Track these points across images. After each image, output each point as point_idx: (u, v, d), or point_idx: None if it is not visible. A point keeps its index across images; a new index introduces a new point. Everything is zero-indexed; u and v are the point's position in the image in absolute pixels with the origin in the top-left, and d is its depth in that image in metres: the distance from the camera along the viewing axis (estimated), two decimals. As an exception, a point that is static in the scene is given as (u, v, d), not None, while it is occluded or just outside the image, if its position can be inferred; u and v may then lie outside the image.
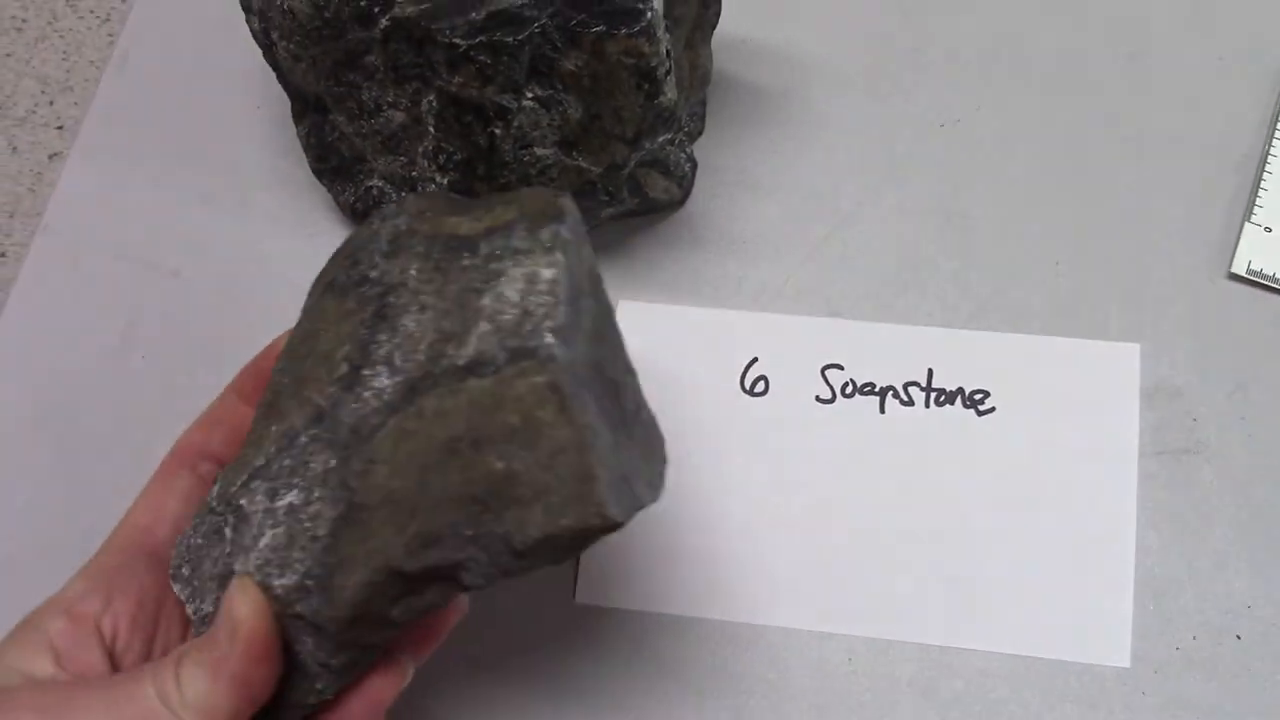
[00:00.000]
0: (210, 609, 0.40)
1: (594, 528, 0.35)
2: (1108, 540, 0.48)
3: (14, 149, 0.60)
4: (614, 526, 0.36)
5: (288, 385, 0.41)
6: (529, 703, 0.48)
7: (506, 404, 0.35)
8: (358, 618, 0.38)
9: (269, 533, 0.39)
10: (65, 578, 0.50)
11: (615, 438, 0.38)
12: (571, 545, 0.36)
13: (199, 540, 0.41)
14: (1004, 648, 0.47)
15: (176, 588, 0.41)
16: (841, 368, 0.52)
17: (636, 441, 0.41)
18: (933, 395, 0.51)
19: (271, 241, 0.57)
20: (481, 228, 0.39)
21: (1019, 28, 0.59)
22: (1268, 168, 0.54)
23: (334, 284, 0.42)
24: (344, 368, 0.39)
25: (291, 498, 0.39)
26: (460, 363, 0.36)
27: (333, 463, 0.39)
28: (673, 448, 0.50)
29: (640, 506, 0.38)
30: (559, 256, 0.37)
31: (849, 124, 0.57)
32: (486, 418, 0.35)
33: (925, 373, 0.51)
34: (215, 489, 0.42)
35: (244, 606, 0.37)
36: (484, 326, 0.37)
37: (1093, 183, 0.55)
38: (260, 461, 0.40)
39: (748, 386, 0.52)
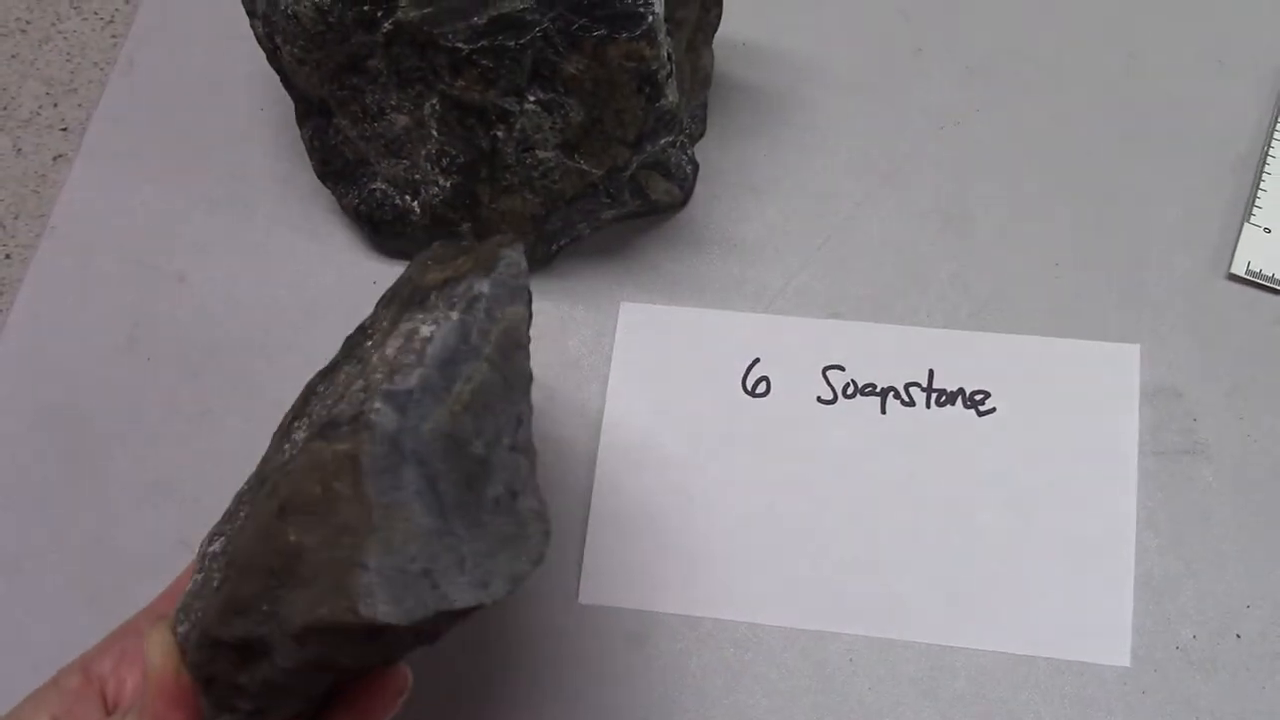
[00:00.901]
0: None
1: (350, 624, 0.32)
2: (1108, 540, 0.48)
3: (19, 150, 0.60)
4: (381, 628, 0.32)
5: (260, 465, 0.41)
6: (532, 701, 0.48)
7: (314, 471, 0.32)
8: (208, 680, 0.35)
9: (195, 578, 0.39)
10: (69, 578, 0.51)
11: (443, 524, 0.33)
12: (353, 642, 0.33)
13: (191, 593, 0.39)
14: (1005, 647, 0.47)
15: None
16: (843, 369, 0.52)
17: (487, 533, 0.34)
18: (934, 396, 0.51)
19: (276, 245, 0.57)
20: (442, 278, 0.37)
21: (1018, 29, 0.59)
22: (1267, 168, 0.54)
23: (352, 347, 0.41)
24: (289, 419, 0.39)
25: (216, 546, 0.39)
26: (319, 424, 0.34)
27: (241, 514, 0.38)
28: (674, 449, 0.51)
29: (447, 609, 0.33)
30: (453, 315, 0.35)
31: (849, 126, 0.57)
32: (300, 484, 0.33)
33: (926, 373, 0.52)
34: (219, 542, 0.40)
35: (153, 651, 0.36)
36: (358, 384, 0.34)
37: (1092, 184, 0.55)
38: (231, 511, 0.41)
39: (749, 388, 0.52)
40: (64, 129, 0.61)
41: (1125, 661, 0.47)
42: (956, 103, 0.57)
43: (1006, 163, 0.56)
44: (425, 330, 0.34)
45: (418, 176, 0.51)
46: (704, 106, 0.57)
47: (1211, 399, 0.51)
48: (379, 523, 0.32)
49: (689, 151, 0.55)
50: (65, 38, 0.63)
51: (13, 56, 0.63)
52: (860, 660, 0.48)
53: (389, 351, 0.34)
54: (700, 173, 0.56)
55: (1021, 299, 0.53)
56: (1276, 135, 0.54)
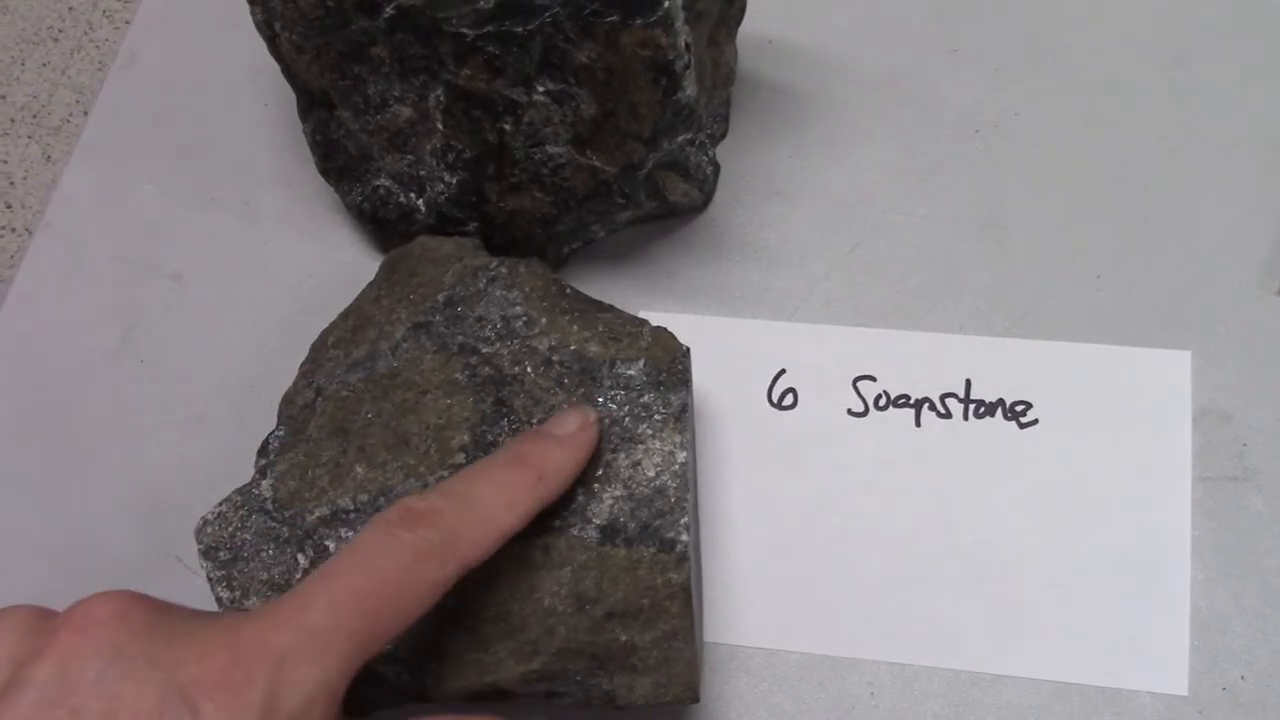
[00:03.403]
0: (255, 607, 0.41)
1: (684, 701, 0.41)
2: (1160, 560, 0.45)
3: (48, 158, 0.59)
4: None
5: (379, 429, 0.42)
6: (532, 731, 0.45)
7: (641, 588, 0.39)
8: (438, 699, 0.41)
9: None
10: (62, 581, 0.49)
11: (699, 598, 0.43)
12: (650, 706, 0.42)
13: (247, 535, 0.42)
14: (1044, 674, 0.44)
15: (207, 566, 0.42)
16: (874, 379, 0.49)
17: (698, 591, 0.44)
18: (971, 407, 0.48)
19: (277, 243, 0.55)
20: (607, 355, 0.42)
21: (1057, 29, 0.56)
22: (1324, 178, 0.51)
23: (429, 328, 0.44)
24: (460, 457, 0.41)
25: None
26: (594, 520, 0.40)
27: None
28: (697, 463, 0.48)
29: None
30: (689, 437, 0.41)
31: (879, 128, 0.55)
32: (619, 592, 0.39)
33: (963, 383, 0.49)
34: (268, 485, 0.43)
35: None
36: (618, 490, 0.40)
37: (1135, 193, 0.52)
38: (346, 504, 0.41)
39: (775, 400, 0.49)
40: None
41: (1183, 690, 0.43)
42: (992, 105, 0.55)
43: (1044, 167, 0.53)
44: (680, 456, 0.40)
45: (423, 172, 0.48)
46: (726, 105, 0.54)
47: (1262, 422, 0.47)
48: (696, 630, 0.41)
49: (710, 152, 0.52)
50: (97, 46, 0.62)
51: (44, 65, 0.62)
52: (882, 693, 0.45)
53: (647, 468, 0.40)
54: (722, 175, 0.53)
55: (1061, 310, 0.50)
56: (1334, 143, 0.51)
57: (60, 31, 0.62)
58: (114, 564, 0.49)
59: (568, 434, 0.39)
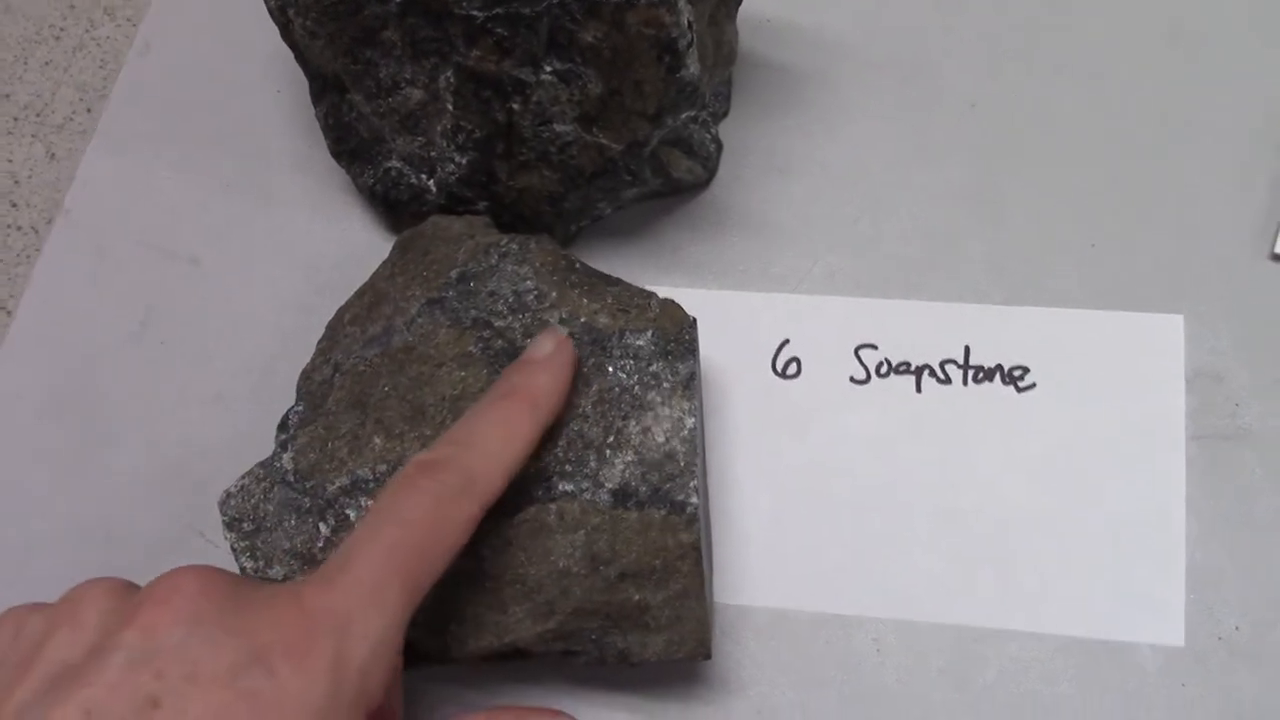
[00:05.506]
0: (279, 577, 0.42)
1: (696, 658, 0.43)
2: (1156, 518, 0.47)
3: (52, 155, 0.60)
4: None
5: (396, 402, 0.44)
6: (548, 692, 0.46)
7: (653, 549, 0.40)
8: (459, 662, 0.43)
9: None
10: (82, 563, 0.50)
11: (709, 561, 0.45)
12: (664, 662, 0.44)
13: (270, 507, 0.43)
14: (1044, 629, 0.46)
15: (231, 537, 0.43)
16: (875, 347, 0.50)
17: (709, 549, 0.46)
18: (970, 373, 0.49)
19: (292, 227, 0.56)
20: (616, 326, 0.44)
21: (1054, 4, 0.57)
22: (1312, 145, 0.52)
23: (443, 304, 0.45)
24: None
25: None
26: (606, 484, 0.41)
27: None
28: (705, 432, 0.49)
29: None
30: (697, 404, 0.43)
31: (878, 105, 0.56)
32: (632, 553, 0.40)
33: (962, 350, 0.50)
34: (289, 458, 0.44)
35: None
36: (629, 456, 0.41)
37: (1128, 162, 0.53)
38: (365, 474, 0.43)
39: (780, 369, 0.51)
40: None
41: (1179, 641, 0.45)
42: (988, 79, 0.56)
43: (1041, 140, 0.54)
44: (689, 422, 0.42)
45: (433, 153, 0.50)
46: (728, 84, 0.55)
47: (1254, 383, 0.49)
48: (707, 589, 0.42)
49: (713, 130, 0.53)
50: (99, 44, 0.63)
51: (47, 63, 0.63)
52: (887, 648, 0.46)
53: (657, 433, 0.42)
54: (724, 153, 0.55)
55: (1057, 277, 0.51)
56: (1322, 111, 0.53)
57: (62, 30, 0.63)
58: (138, 538, 0.51)
59: (546, 356, 0.41)
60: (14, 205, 0.59)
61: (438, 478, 0.37)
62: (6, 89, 0.62)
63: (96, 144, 0.59)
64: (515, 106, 0.47)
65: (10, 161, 0.60)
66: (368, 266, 0.51)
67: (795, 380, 0.50)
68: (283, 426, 0.46)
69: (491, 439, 0.39)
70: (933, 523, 0.48)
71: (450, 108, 0.48)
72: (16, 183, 0.59)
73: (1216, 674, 0.44)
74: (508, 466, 0.39)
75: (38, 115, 0.61)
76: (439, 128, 0.49)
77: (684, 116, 0.48)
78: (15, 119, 0.61)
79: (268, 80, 0.59)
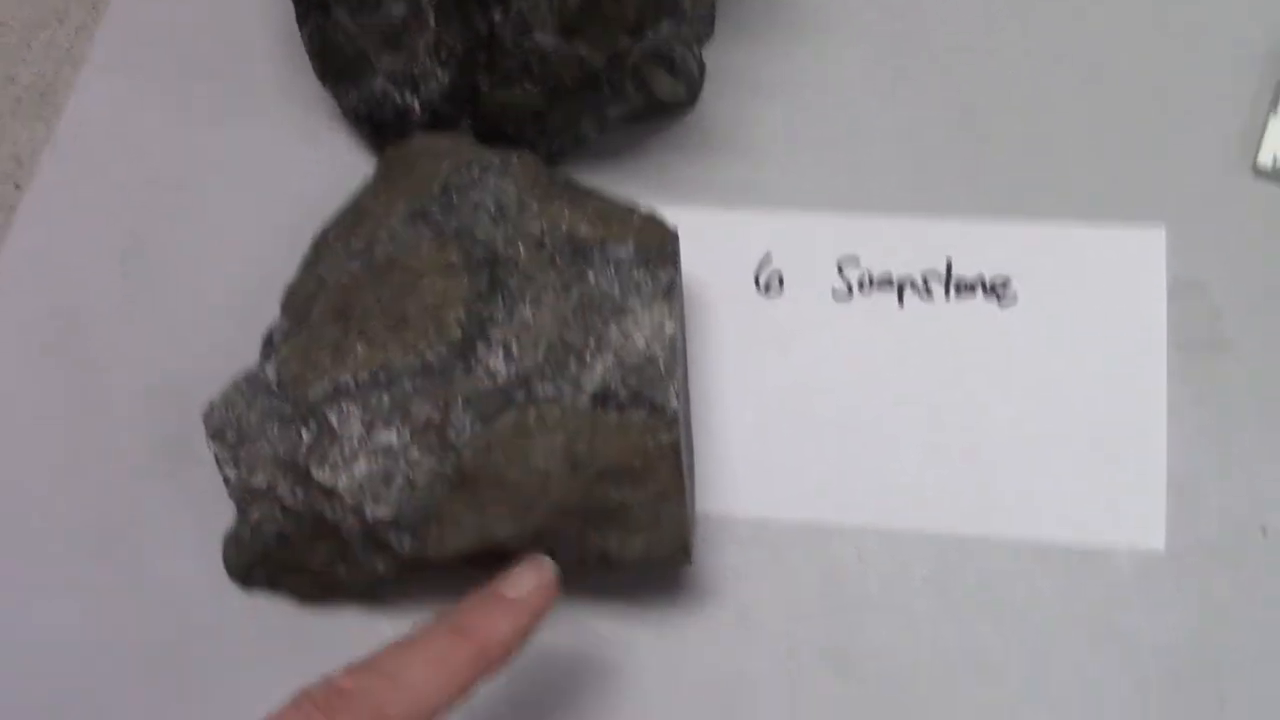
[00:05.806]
0: (261, 485, 0.43)
1: (677, 561, 0.43)
2: (1138, 426, 0.47)
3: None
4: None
5: (378, 311, 0.44)
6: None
7: (632, 449, 0.41)
8: (438, 563, 0.42)
9: (364, 463, 0.42)
10: (70, 502, 0.50)
11: (690, 469, 0.45)
12: (645, 565, 0.43)
13: (253, 417, 0.44)
14: (1026, 534, 0.46)
15: (215, 446, 0.44)
16: (857, 261, 0.51)
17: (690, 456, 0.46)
18: (952, 286, 0.50)
19: (278, 153, 0.56)
20: (598, 236, 0.44)
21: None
22: (1295, 61, 0.52)
23: (426, 216, 0.45)
24: (456, 333, 0.43)
25: (390, 438, 0.42)
26: (587, 388, 0.41)
27: (436, 418, 0.42)
28: (688, 349, 0.49)
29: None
30: (678, 311, 0.43)
31: (858, 26, 0.56)
32: (611, 453, 0.41)
33: (944, 263, 0.50)
34: (271, 368, 0.44)
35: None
36: (609, 359, 0.42)
37: (1109, 75, 0.53)
38: (347, 379, 0.43)
39: (762, 285, 0.51)
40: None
41: (1160, 546, 0.45)
42: None
43: (1023, 55, 0.54)
44: (669, 327, 0.42)
45: (417, 70, 0.50)
46: (711, 7, 0.55)
47: (1235, 293, 0.49)
48: (687, 490, 0.42)
49: (695, 50, 0.53)
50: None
51: (49, 45, 0.62)
52: (869, 556, 0.46)
53: (637, 338, 0.42)
54: (708, 75, 0.55)
55: (1038, 191, 0.51)
56: (1305, 27, 0.52)
57: (65, 12, 0.63)
58: (124, 456, 0.51)
59: (519, 597, 0.37)
60: (18, 187, 0.58)
61: (336, 717, 0.32)
62: (10, 71, 0.62)
63: (86, 75, 0.59)
64: (496, 17, 0.47)
65: (14, 144, 0.60)
66: (353, 191, 0.51)
67: (778, 296, 0.51)
68: (267, 342, 0.46)
69: (419, 681, 0.34)
70: (915, 433, 0.48)
71: (432, 23, 0.48)
72: (20, 164, 0.59)
73: (1196, 578, 0.44)
74: (429, 713, 0.34)
75: (40, 96, 0.60)
76: (421, 43, 0.49)
77: (664, 29, 0.48)
78: (18, 100, 0.60)
79: (252, 5, 0.59)
